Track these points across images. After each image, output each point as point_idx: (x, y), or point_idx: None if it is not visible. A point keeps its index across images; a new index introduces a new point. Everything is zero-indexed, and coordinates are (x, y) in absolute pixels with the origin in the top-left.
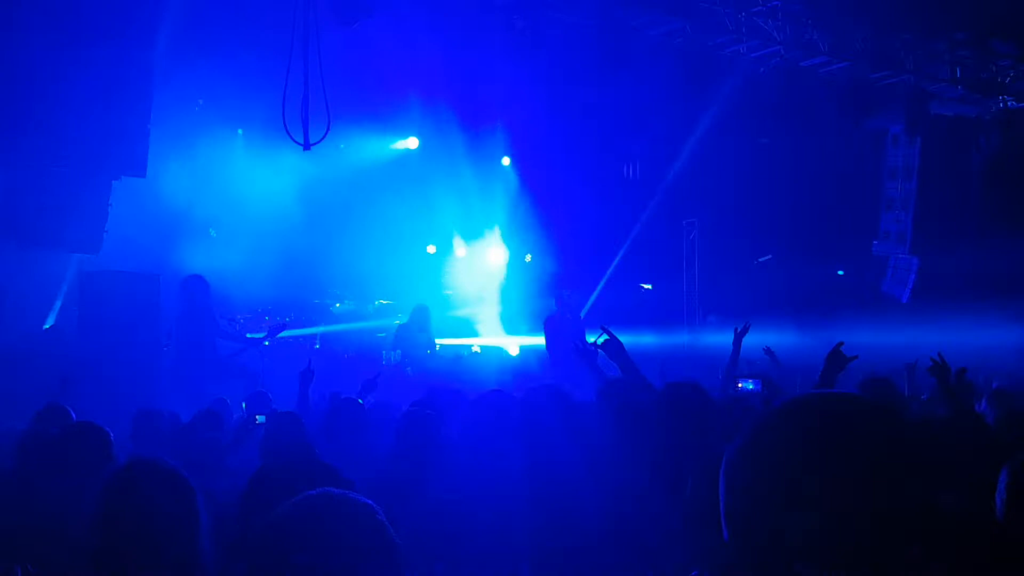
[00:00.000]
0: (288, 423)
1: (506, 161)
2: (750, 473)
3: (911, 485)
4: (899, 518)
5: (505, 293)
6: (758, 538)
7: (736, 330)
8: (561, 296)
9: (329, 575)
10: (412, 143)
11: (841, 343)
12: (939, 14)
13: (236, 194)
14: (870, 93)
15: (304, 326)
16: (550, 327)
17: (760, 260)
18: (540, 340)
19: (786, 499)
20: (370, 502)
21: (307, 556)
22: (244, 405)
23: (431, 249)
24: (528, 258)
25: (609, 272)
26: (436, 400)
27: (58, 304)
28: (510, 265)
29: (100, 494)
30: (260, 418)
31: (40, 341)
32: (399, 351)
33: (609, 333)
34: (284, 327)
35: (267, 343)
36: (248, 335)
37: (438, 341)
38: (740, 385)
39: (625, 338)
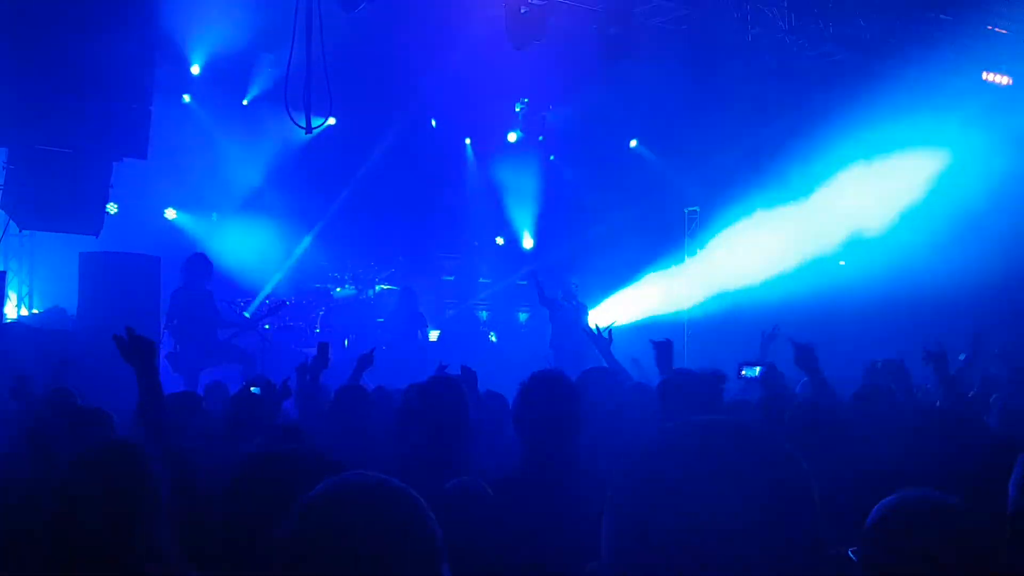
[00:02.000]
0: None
1: (512, 137)
2: (629, 498)
3: (784, 510)
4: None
5: None
6: (629, 561)
7: (763, 333)
8: (568, 284)
9: (371, 563)
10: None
11: (792, 342)
12: (944, 4)
13: (237, 176)
14: (876, 82)
15: (305, 310)
16: (556, 316)
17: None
18: None
19: (659, 527)
20: (407, 488)
21: (348, 542)
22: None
23: (500, 241)
24: (500, 240)
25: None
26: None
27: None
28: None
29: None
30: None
31: (42, 321)
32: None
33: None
34: (282, 307)
35: (267, 326)
36: (245, 314)
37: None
38: (744, 372)
39: (625, 326)
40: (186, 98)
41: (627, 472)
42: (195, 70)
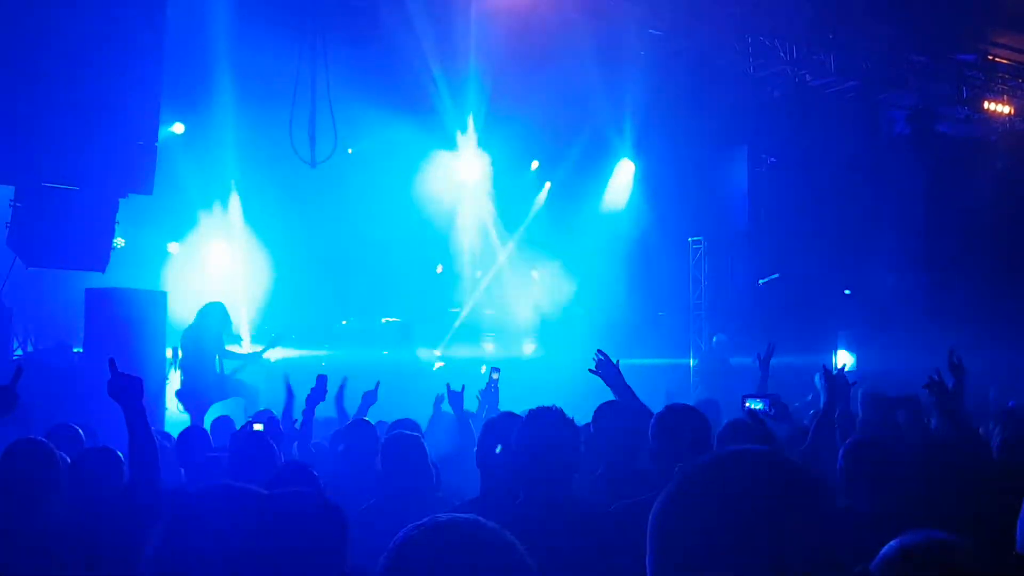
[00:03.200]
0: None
1: (536, 165)
2: (671, 529)
3: (817, 544)
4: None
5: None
6: None
7: (758, 356)
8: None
9: None
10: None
11: (824, 366)
12: (946, 35)
13: (244, 211)
14: (878, 113)
15: (310, 343)
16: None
17: (765, 280)
18: None
19: (700, 558)
20: (497, 527)
21: None
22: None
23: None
24: (439, 269)
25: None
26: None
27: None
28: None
29: None
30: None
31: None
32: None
33: (604, 356)
34: (275, 342)
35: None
36: (244, 352)
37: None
38: (748, 405)
39: (631, 360)
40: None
41: (665, 504)
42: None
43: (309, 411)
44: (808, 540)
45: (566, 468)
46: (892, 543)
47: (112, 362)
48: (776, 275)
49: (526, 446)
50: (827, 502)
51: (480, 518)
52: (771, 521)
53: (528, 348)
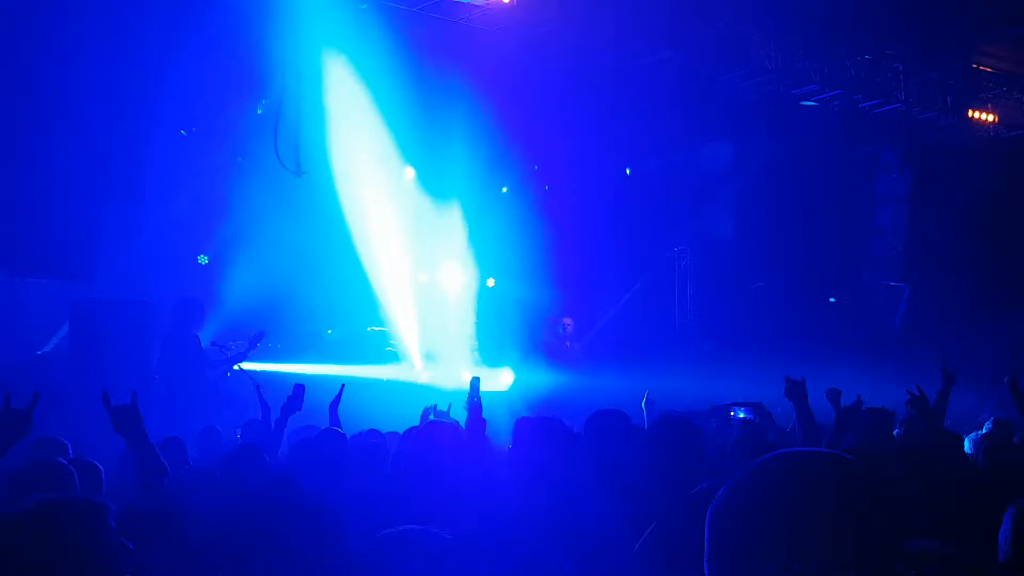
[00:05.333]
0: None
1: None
2: (734, 522)
3: (884, 539)
4: (874, 569)
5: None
6: None
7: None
8: (562, 324)
9: None
10: (408, 173)
11: (787, 377)
12: (930, 43)
13: (228, 220)
14: (862, 121)
15: (295, 353)
16: (552, 355)
17: (751, 288)
18: None
19: (767, 550)
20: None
21: None
22: (239, 434)
23: (423, 277)
24: (491, 282)
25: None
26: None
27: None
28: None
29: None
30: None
31: (30, 368)
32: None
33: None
34: (261, 337)
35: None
36: (228, 355)
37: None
38: (732, 413)
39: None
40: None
41: (728, 499)
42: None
43: (282, 421)
44: (870, 540)
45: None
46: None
47: (105, 395)
48: (761, 283)
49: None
50: (887, 502)
51: (434, 529)
52: (829, 516)
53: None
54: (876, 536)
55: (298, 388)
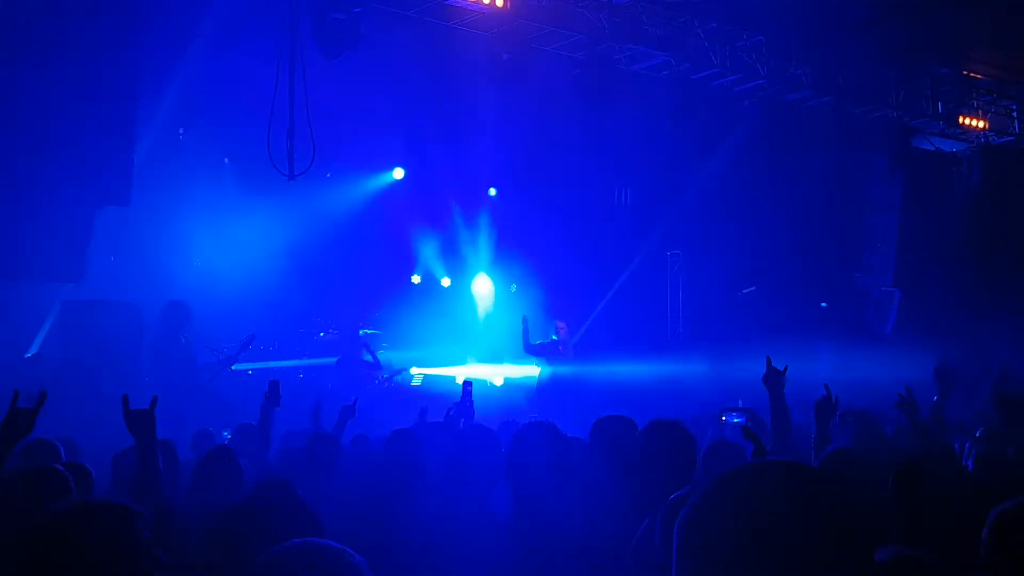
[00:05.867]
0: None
1: (492, 191)
2: (702, 534)
3: (852, 552)
4: None
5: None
6: None
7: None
8: (555, 327)
9: None
10: (397, 173)
11: (768, 359)
12: (921, 50)
13: (221, 222)
14: (854, 127)
15: (288, 355)
16: (546, 355)
17: (744, 292)
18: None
19: (730, 563)
20: (357, 556)
21: None
22: (227, 435)
23: (416, 279)
24: (513, 288)
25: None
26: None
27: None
28: (497, 295)
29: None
30: (226, 434)
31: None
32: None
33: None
34: (251, 340)
35: (250, 371)
36: (220, 357)
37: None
38: (724, 419)
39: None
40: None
41: (693, 512)
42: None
43: (266, 419)
44: (834, 551)
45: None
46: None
47: (125, 399)
48: (754, 287)
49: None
50: (857, 512)
51: (337, 545)
52: (798, 528)
53: (497, 380)
54: (843, 548)
55: (273, 384)
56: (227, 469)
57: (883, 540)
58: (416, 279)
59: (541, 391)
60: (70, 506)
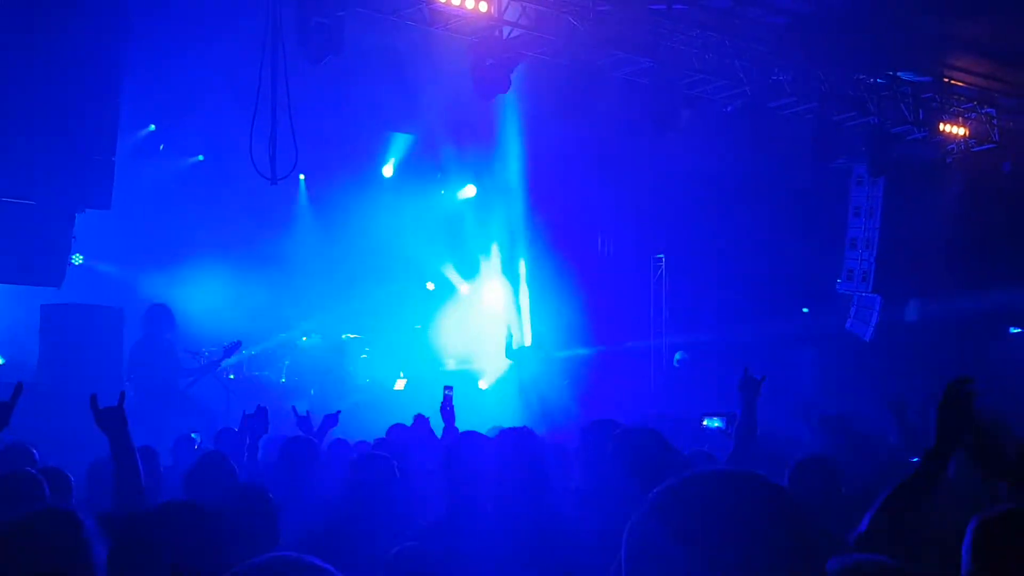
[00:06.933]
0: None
1: (472, 191)
2: (647, 545)
3: (799, 562)
4: None
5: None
6: None
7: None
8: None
9: None
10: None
11: (746, 369)
12: (903, 57)
13: (203, 225)
14: (835, 134)
15: (271, 360)
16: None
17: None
18: None
19: (677, 573)
20: (327, 567)
21: None
22: (196, 437)
23: (430, 286)
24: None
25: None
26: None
27: None
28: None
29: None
30: (195, 436)
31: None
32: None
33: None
34: (237, 347)
35: (231, 376)
36: (202, 361)
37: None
38: (705, 423)
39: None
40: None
41: (640, 524)
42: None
43: (252, 445)
44: (783, 560)
45: (536, 486)
46: (829, 564)
47: (93, 398)
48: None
49: (497, 464)
50: (806, 522)
51: (310, 559)
52: (744, 539)
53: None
54: (790, 558)
55: (260, 410)
56: (221, 474)
57: (843, 548)
58: (430, 286)
59: None
60: (19, 517)
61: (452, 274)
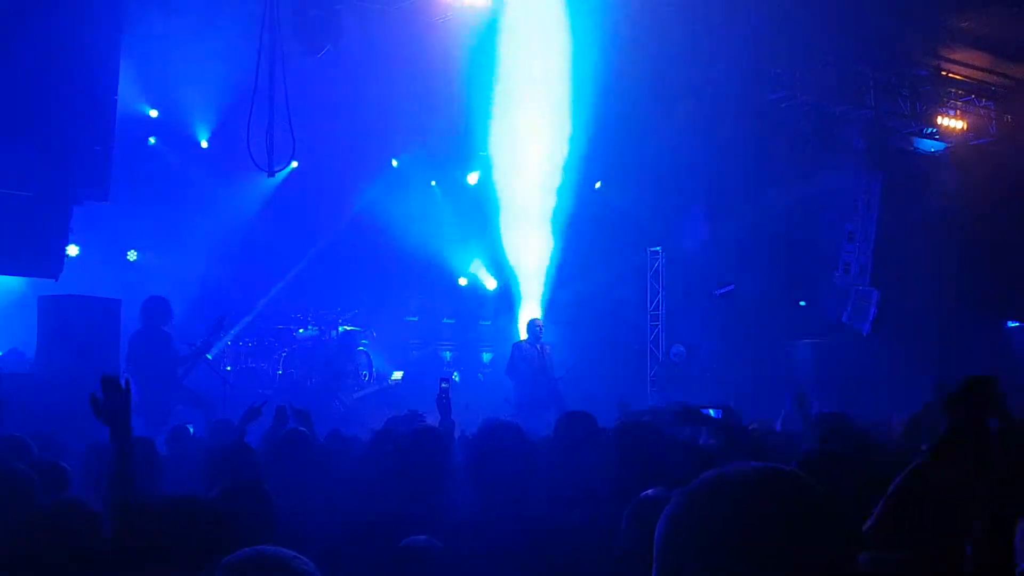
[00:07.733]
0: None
1: (473, 179)
2: (684, 536)
3: (837, 557)
4: None
5: None
6: None
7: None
8: (533, 324)
9: None
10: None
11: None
12: (898, 51)
13: (200, 215)
14: (833, 127)
15: (267, 351)
16: (518, 353)
17: (719, 293)
18: None
19: (715, 563)
20: (307, 561)
21: None
22: (190, 429)
23: (463, 281)
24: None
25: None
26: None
27: None
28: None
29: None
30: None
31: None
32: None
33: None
34: (222, 323)
35: (228, 368)
36: (196, 347)
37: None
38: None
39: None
40: (151, 140)
41: (677, 518)
42: (153, 113)
43: (241, 428)
44: (819, 556)
45: (520, 482)
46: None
47: (93, 397)
48: (731, 286)
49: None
50: (841, 517)
51: (288, 553)
52: (786, 534)
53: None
54: (828, 553)
55: (253, 410)
56: (245, 461)
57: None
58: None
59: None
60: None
61: (446, 261)
